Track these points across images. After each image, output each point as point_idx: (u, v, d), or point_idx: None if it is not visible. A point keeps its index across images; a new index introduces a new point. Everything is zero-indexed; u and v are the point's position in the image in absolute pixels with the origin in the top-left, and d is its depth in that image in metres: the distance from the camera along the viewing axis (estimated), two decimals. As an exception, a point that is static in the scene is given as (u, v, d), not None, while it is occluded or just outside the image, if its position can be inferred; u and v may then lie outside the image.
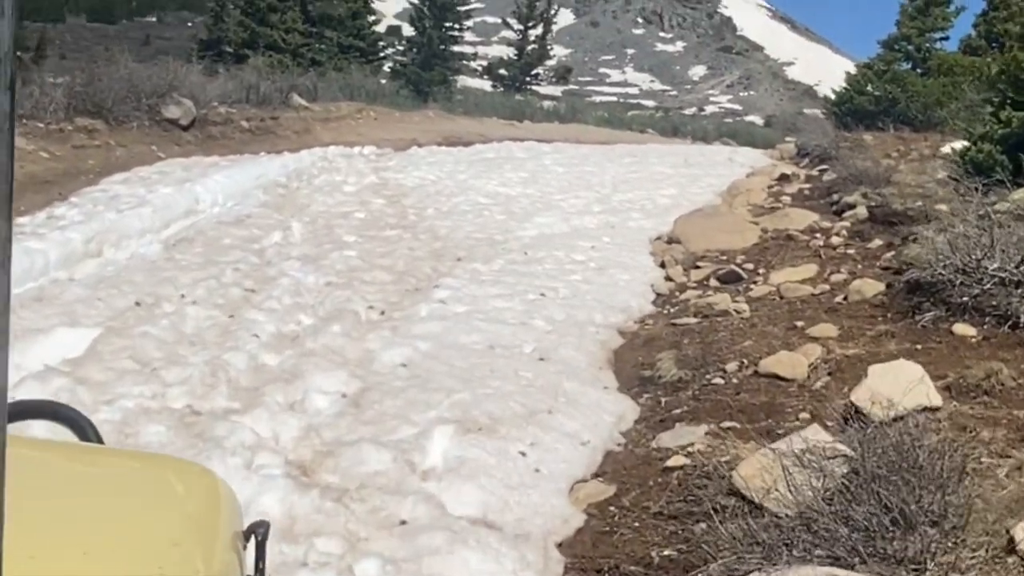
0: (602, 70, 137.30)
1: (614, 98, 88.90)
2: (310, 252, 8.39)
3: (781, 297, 7.79)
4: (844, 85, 21.51)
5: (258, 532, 1.42)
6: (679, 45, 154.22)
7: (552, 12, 45.00)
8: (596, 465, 4.87)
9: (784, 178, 14.20)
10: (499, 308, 7.06)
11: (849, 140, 17.20)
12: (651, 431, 5.38)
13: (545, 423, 5.07)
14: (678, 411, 5.64)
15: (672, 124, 45.97)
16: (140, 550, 1.08)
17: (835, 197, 11.64)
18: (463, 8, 36.93)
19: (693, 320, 7.37)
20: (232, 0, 32.06)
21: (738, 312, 7.42)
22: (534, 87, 46.02)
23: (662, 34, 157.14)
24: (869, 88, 20.25)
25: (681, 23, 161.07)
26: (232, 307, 6.44)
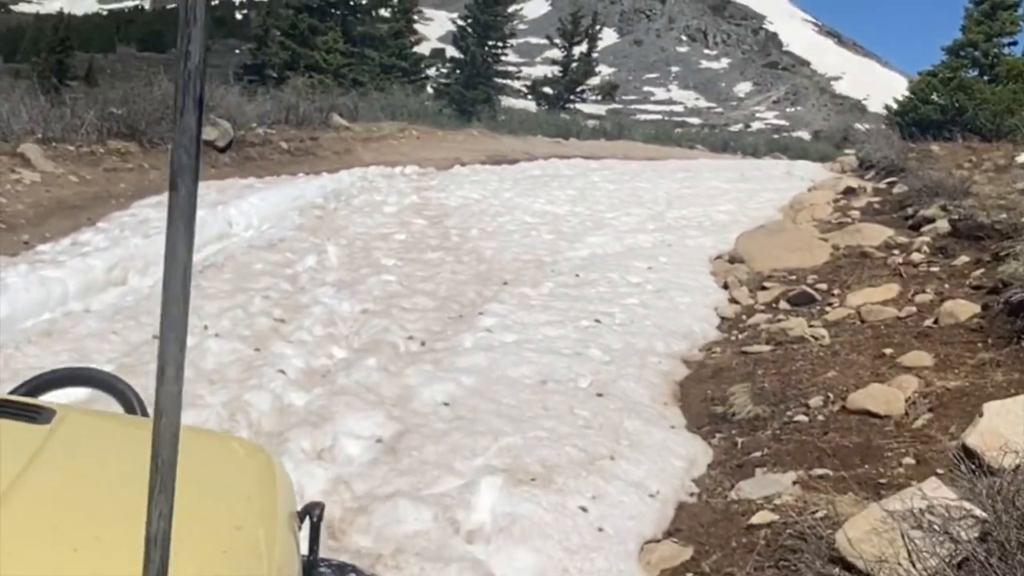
0: (646, 88, 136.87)
1: (659, 116, 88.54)
2: (346, 277, 7.88)
3: (862, 321, 7.11)
4: (906, 94, 20.69)
5: (313, 513, 1.44)
6: (724, 62, 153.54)
7: (596, 28, 44.47)
8: (668, 521, 4.25)
9: (850, 191, 13.47)
10: (551, 337, 6.47)
11: (916, 151, 16.41)
12: (728, 478, 4.75)
13: (607, 471, 4.46)
14: (758, 454, 5.00)
15: (722, 140, 45.23)
16: (203, 534, 1.07)
17: (910, 211, 10.91)
18: (507, 27, 36.56)
19: (766, 348, 6.71)
20: (275, 24, 32.02)
21: (816, 338, 6.75)
22: (578, 105, 45.53)
23: (707, 51, 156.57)
24: (934, 97, 19.41)
25: (726, 40, 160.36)
26: (259, 339, 5.92)
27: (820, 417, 5.34)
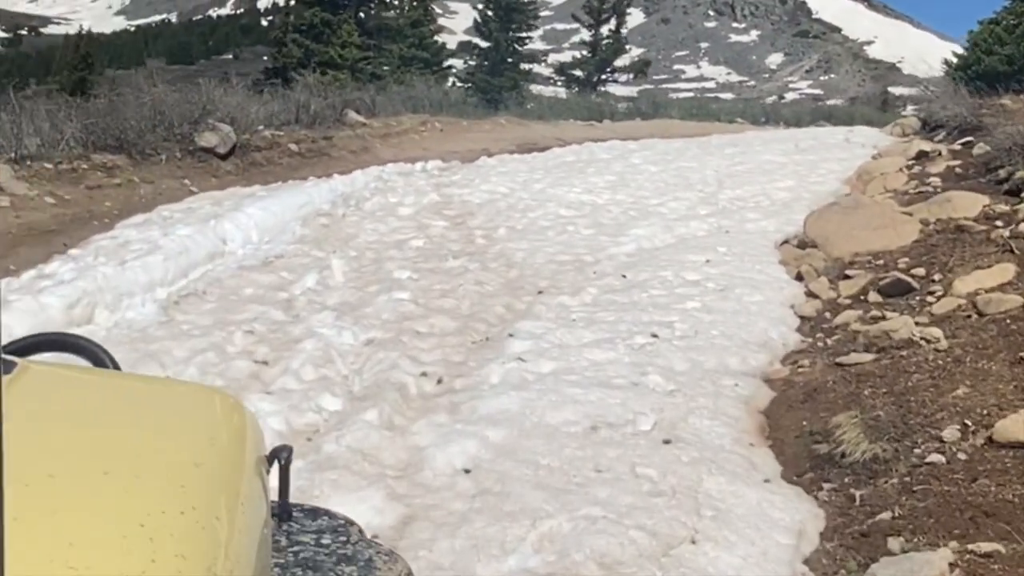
0: (676, 66, 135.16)
1: (691, 93, 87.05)
2: (350, 298, 6.72)
3: (980, 313, 5.82)
4: (966, 46, 19.13)
5: (281, 456, 1.50)
6: (753, 34, 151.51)
7: (624, 2, 42.97)
8: (784, 643, 3.05)
9: (923, 156, 12.09)
10: (598, 362, 5.26)
11: (988, 106, 14.95)
12: (852, 554, 3.53)
13: (690, 564, 3.26)
14: (886, 515, 3.76)
15: (763, 111, 43.61)
16: (162, 470, 1.07)
17: (1002, 173, 9.54)
18: (530, 9, 35.26)
19: (867, 357, 5.45)
20: (292, 24, 30.96)
21: (929, 341, 5.48)
22: (609, 87, 44.05)
23: (735, 25, 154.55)
24: (998, 47, 17.86)
25: (754, 11, 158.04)
26: (231, 391, 4.74)
27: (961, 455, 4.09)
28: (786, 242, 9.11)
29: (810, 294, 7.27)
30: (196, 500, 1.02)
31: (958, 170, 10.79)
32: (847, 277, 7.41)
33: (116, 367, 1.70)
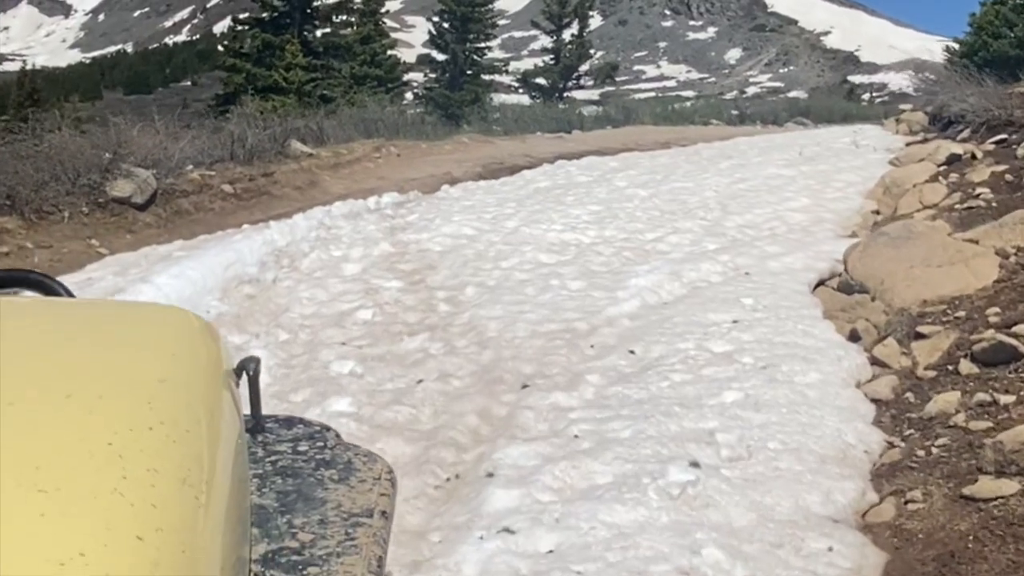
0: (636, 67, 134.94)
1: (652, 93, 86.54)
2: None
3: None
4: (969, 31, 17.69)
5: (249, 368, 1.49)
6: (711, 31, 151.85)
7: (587, 4, 41.48)
8: None
9: (955, 161, 10.53)
10: (623, 530, 3.60)
11: (1010, 96, 13.45)
12: None
13: None
14: None
15: (738, 110, 42.25)
16: (126, 389, 1.06)
17: (1073, 182, 7.98)
18: (488, 18, 33.70)
19: (1011, 486, 3.80)
20: (232, 48, 29.16)
21: (1099, 458, 3.84)
22: (574, 93, 42.51)
23: (692, 23, 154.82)
24: (1006, 30, 16.41)
25: (710, 8, 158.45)
26: None
27: None
28: (822, 283, 7.51)
29: (877, 363, 5.66)
30: (164, 415, 1.02)
31: (1008, 177, 9.23)
32: (921, 336, 5.79)
33: (70, 295, 1.66)
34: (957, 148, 10.86)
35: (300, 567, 1.46)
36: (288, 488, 1.68)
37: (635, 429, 4.58)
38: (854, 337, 6.14)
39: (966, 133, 12.50)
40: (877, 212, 9.79)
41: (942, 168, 10.42)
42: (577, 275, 7.77)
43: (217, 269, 8.39)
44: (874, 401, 5.14)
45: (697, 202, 10.48)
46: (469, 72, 32.49)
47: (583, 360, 5.85)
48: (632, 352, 5.89)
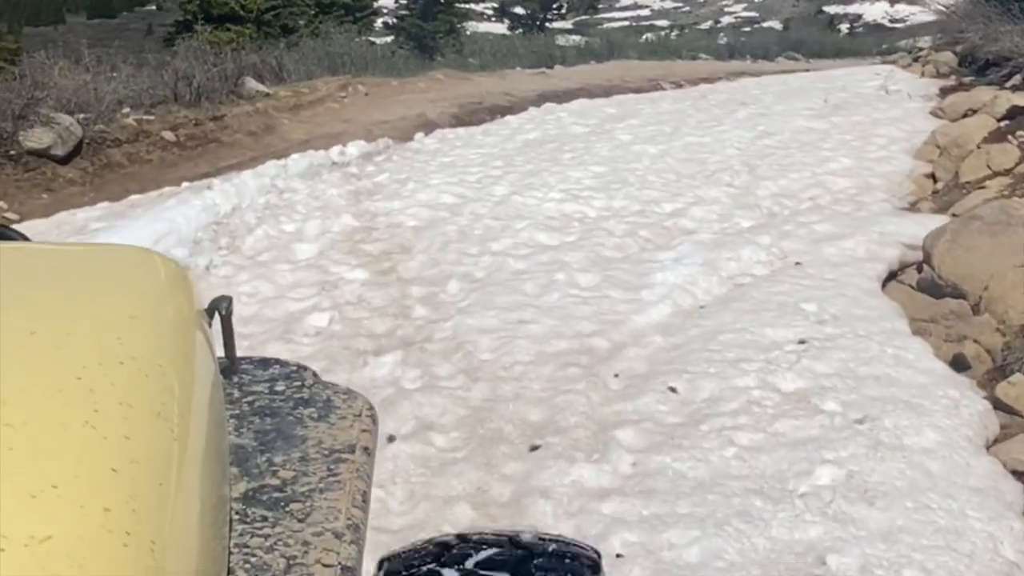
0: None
1: (627, 23, 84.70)
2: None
3: None
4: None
5: (221, 307, 1.46)
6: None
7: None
8: None
9: (1020, 115, 9.08)
10: None
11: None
12: None
13: None
14: None
15: (727, 45, 40.41)
16: (93, 326, 1.04)
17: None
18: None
19: None
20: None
21: None
22: (550, 23, 40.53)
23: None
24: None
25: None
26: None
27: None
28: (893, 277, 6.11)
29: (1003, 407, 4.28)
30: (135, 350, 1.01)
31: (1097, 138, 7.81)
32: (1058, 370, 4.40)
33: (26, 239, 1.62)
34: (1019, 99, 9.40)
35: (282, 504, 1.46)
36: (267, 427, 1.67)
37: (704, 548, 3.18)
38: (960, 365, 4.76)
39: (1017, 79, 11.04)
40: (933, 177, 8.37)
41: (1004, 123, 8.98)
42: (587, 264, 6.30)
43: (144, 244, 6.83)
44: (1017, 475, 3.76)
45: (718, 162, 8.99)
46: (443, 1, 30.55)
47: (608, 401, 4.42)
48: (673, 390, 4.47)
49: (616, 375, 4.73)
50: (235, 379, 1.82)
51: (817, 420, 4.08)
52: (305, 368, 1.91)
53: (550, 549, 1.62)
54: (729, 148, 9.46)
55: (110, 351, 0.97)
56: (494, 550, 1.57)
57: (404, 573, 1.51)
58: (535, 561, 1.56)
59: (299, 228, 7.41)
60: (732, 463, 3.76)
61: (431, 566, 1.52)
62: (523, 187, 8.26)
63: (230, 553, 1.29)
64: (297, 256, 6.78)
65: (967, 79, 13.40)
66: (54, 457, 0.78)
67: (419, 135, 12.42)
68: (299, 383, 1.84)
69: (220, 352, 1.44)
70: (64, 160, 10.19)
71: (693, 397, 4.39)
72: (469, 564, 1.52)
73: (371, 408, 1.81)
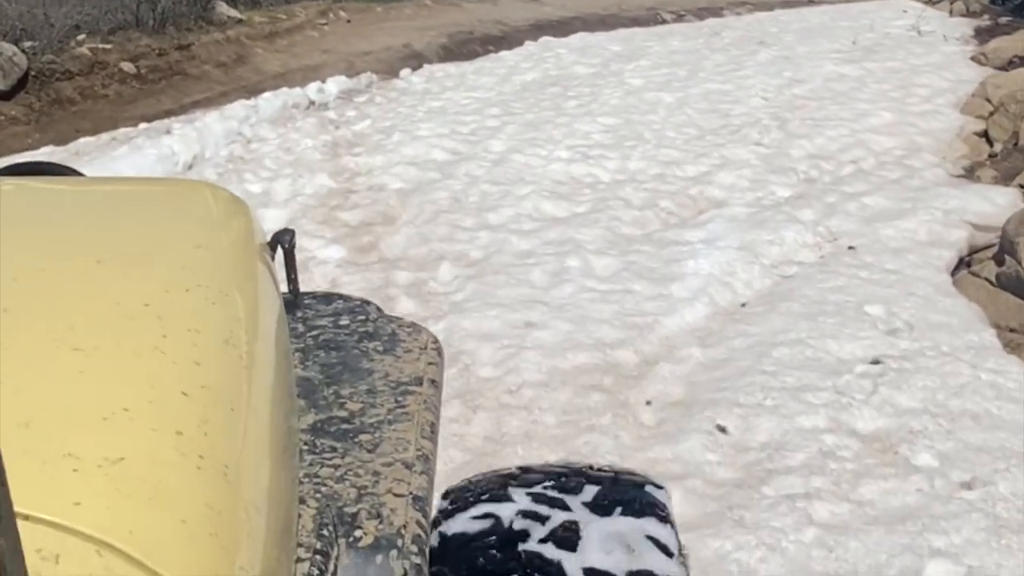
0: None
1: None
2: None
3: None
4: None
5: (284, 240, 1.47)
6: None
7: None
8: None
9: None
10: None
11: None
12: None
13: None
14: None
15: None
16: (159, 254, 1.06)
17: None
18: None
19: None
20: None
21: None
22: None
23: None
24: None
25: None
26: None
27: None
28: (963, 264, 5.26)
29: None
30: (201, 279, 1.01)
31: None
32: None
33: (80, 175, 1.63)
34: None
35: (351, 435, 1.47)
36: (332, 361, 1.66)
37: None
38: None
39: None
40: (987, 137, 7.45)
41: (1064, 75, 8.04)
42: (603, 245, 5.39)
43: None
44: None
45: (744, 115, 8.03)
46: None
47: (641, 443, 3.57)
48: (722, 429, 3.61)
49: (648, 403, 3.86)
50: (298, 314, 1.81)
51: (912, 483, 3.23)
52: (368, 303, 1.91)
53: (614, 476, 1.67)
54: (754, 98, 8.49)
55: (177, 279, 0.98)
56: (558, 480, 1.63)
57: (471, 500, 1.62)
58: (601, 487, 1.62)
59: (267, 189, 6.45)
60: (814, 553, 2.91)
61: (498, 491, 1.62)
62: (524, 142, 7.30)
63: (300, 483, 1.29)
64: (263, 226, 5.83)
65: (1002, 19, 12.41)
66: (125, 381, 0.79)
67: (405, 71, 11.38)
68: (363, 317, 1.83)
69: (284, 287, 1.41)
70: (7, 95, 9.17)
71: (748, 440, 3.54)
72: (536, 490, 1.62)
73: (436, 341, 1.80)
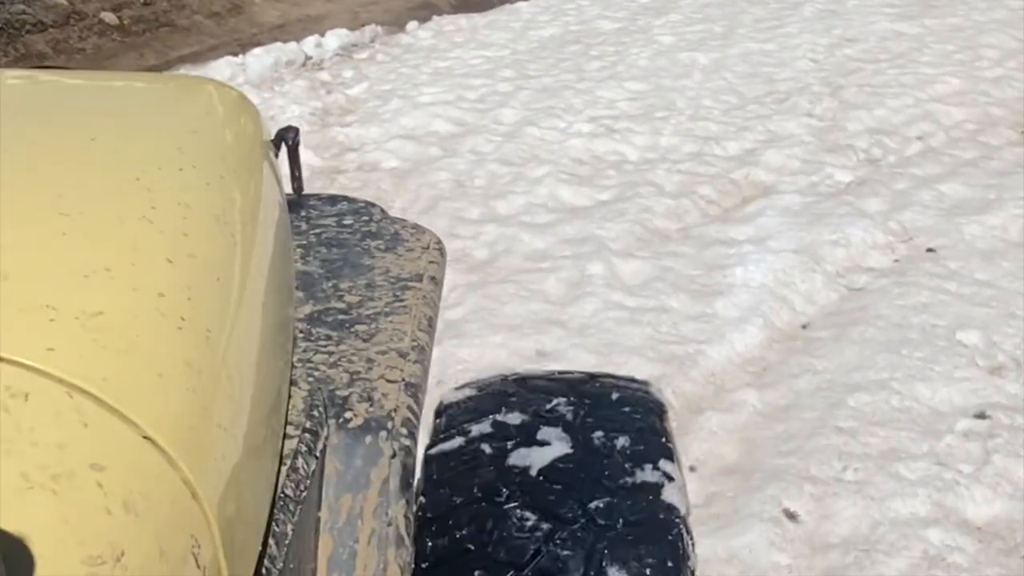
0: None
1: None
2: None
3: None
4: None
5: (288, 138, 1.53)
6: None
7: None
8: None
9: None
10: None
11: None
12: None
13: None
14: None
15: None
16: (153, 134, 1.07)
17: None
18: None
19: None
20: None
21: None
22: None
23: None
24: None
25: None
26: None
27: None
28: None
29: None
30: (195, 160, 1.02)
31: None
32: None
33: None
34: None
35: (347, 325, 1.49)
36: (333, 256, 1.69)
37: None
38: None
39: None
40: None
41: None
42: (631, 244, 4.55)
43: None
44: None
45: (790, 79, 7.10)
46: None
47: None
48: (791, 516, 2.81)
49: (692, 468, 3.05)
50: (302, 213, 1.82)
51: (1055, 609, 2.41)
52: (373, 204, 1.93)
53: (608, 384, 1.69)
54: (801, 59, 7.54)
55: (170, 158, 0.99)
56: (558, 399, 1.60)
57: (466, 426, 1.57)
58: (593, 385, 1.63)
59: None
60: None
61: (495, 418, 1.58)
62: (540, 112, 6.41)
63: (293, 367, 1.28)
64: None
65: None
66: (108, 244, 0.80)
67: (412, 24, 10.47)
68: (367, 218, 1.84)
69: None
70: (-33, 52, 8.32)
71: (827, 533, 2.73)
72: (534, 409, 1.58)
73: (439, 242, 1.80)
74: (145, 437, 0.67)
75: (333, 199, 1.95)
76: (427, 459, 1.55)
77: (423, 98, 6.77)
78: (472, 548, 1.39)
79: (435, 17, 11.07)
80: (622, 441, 1.51)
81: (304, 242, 1.71)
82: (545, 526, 1.39)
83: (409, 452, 1.28)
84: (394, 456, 1.26)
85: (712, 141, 5.88)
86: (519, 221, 4.81)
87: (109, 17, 10.11)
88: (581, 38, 8.74)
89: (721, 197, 5.16)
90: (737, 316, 3.87)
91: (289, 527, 1.02)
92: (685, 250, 4.47)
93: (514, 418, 1.56)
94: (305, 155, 5.52)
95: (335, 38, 10.05)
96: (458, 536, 1.41)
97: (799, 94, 6.73)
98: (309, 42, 9.72)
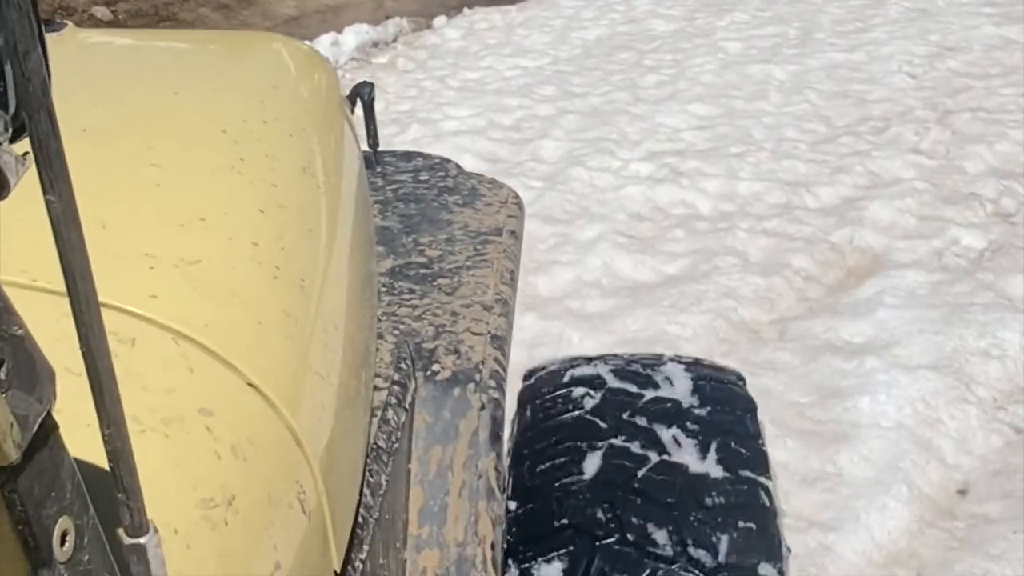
0: None
1: None
2: None
3: None
4: None
5: (363, 93, 1.57)
6: None
7: None
8: None
9: None
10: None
11: None
12: None
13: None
14: None
15: None
16: (237, 89, 1.08)
17: None
18: None
19: None
20: None
21: None
22: None
23: None
24: None
25: None
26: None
27: None
28: None
29: None
30: (278, 113, 1.03)
31: None
32: None
33: None
34: None
35: (429, 279, 1.52)
36: (411, 212, 1.72)
37: None
38: None
39: None
40: None
41: None
42: (713, 347, 3.51)
43: None
44: None
45: (886, 100, 5.98)
46: None
47: None
48: None
49: None
50: (378, 169, 1.83)
51: None
52: (448, 160, 1.94)
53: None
54: (896, 74, 6.41)
55: (254, 111, 1.01)
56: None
57: (555, 392, 1.63)
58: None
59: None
60: None
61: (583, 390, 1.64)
62: (588, 145, 5.35)
63: (378, 320, 1.27)
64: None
65: None
66: (201, 195, 0.83)
67: (441, 19, 9.44)
68: (443, 173, 1.87)
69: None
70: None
71: None
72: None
73: (517, 197, 1.83)
74: (249, 384, 0.69)
75: (408, 155, 1.99)
76: None
77: (448, 123, 5.73)
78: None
79: (466, 10, 10.01)
80: None
81: (381, 198, 1.72)
82: None
83: (498, 404, 1.32)
84: (483, 408, 1.30)
85: (802, 188, 4.80)
86: (565, 308, 3.78)
87: (101, 12, 9.23)
88: (632, 43, 7.64)
89: (821, 272, 4.09)
90: (870, 479, 2.83)
91: (383, 477, 1.02)
92: (785, 360, 3.42)
93: None
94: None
95: (354, 35, 9.14)
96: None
97: (900, 121, 5.62)
98: (324, 41, 8.82)
